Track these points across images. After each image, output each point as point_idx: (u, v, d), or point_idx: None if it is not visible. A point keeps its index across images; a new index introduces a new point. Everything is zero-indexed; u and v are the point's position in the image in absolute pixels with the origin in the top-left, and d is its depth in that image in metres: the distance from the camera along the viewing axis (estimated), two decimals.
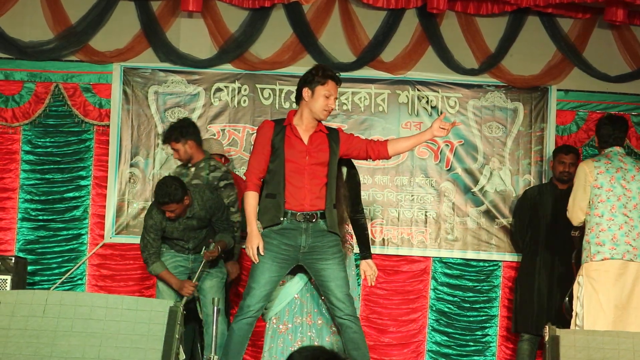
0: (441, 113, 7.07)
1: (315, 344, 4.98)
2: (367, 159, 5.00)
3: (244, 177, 5.41)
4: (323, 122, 4.86)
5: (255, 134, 4.93)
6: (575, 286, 5.58)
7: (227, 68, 7.04)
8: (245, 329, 4.79)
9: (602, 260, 5.45)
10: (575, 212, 5.62)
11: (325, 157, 4.80)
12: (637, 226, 5.51)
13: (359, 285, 5.93)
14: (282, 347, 5.02)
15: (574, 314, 5.59)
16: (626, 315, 5.47)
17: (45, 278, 6.93)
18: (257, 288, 4.74)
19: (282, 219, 4.72)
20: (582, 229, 5.72)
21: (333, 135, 4.87)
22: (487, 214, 7.10)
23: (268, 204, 4.78)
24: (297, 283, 5.02)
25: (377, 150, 4.91)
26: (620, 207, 5.50)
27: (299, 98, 4.85)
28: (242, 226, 6.65)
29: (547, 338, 4.17)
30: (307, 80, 4.80)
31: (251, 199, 4.77)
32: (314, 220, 4.75)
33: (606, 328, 5.32)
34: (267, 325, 5.11)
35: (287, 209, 4.73)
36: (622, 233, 5.46)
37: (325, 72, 4.81)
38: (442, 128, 4.80)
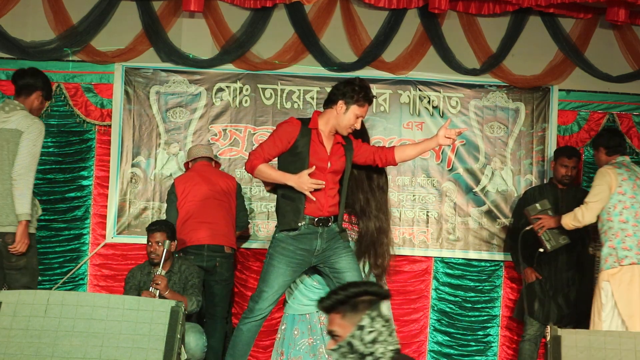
0: (443, 114, 7.08)
1: None
2: (374, 166, 5.02)
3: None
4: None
5: (276, 128, 4.90)
6: (600, 294, 5.64)
7: (229, 68, 7.04)
8: (254, 330, 4.84)
9: (631, 264, 5.59)
10: (593, 214, 5.72)
11: (342, 167, 4.85)
12: None
13: None
14: None
15: (596, 319, 5.64)
16: None
17: (47, 278, 6.92)
18: (270, 292, 4.76)
19: (300, 224, 4.73)
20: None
21: (349, 146, 4.90)
22: (489, 214, 7.10)
23: (286, 206, 4.78)
24: None
25: (385, 158, 4.94)
26: None
27: (329, 104, 4.83)
28: (245, 224, 6.69)
29: (548, 338, 4.17)
30: (347, 95, 4.77)
31: (268, 167, 4.75)
32: (329, 224, 4.79)
33: None
34: (315, 319, 5.12)
35: (306, 214, 4.74)
36: None
37: (368, 95, 4.80)
38: (447, 137, 4.81)
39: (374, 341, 2.88)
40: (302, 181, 4.66)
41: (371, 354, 2.87)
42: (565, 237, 6.17)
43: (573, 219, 5.80)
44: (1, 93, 6.96)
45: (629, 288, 5.54)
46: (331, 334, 2.94)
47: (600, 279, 5.66)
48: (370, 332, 2.88)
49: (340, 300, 2.91)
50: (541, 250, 6.28)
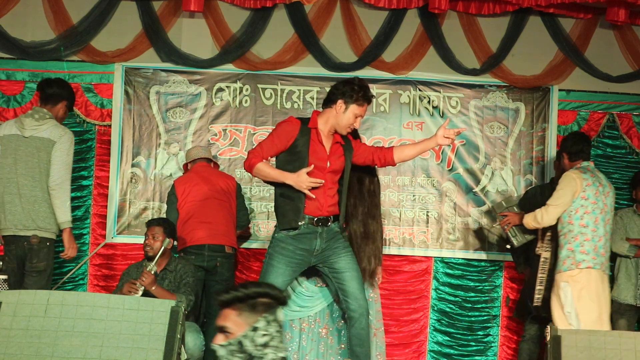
0: (443, 114, 7.08)
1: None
2: (372, 166, 5.02)
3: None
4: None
5: (275, 127, 4.90)
6: (559, 293, 5.68)
7: (229, 68, 7.05)
8: None
9: (587, 268, 5.67)
10: (552, 217, 5.80)
11: (342, 166, 4.86)
12: (608, 240, 5.81)
13: None
14: (324, 351, 5.04)
15: (555, 316, 5.71)
16: None
17: None
18: None
19: (300, 223, 4.73)
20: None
21: (348, 146, 4.91)
22: (489, 214, 7.10)
23: (285, 205, 4.78)
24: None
25: (384, 158, 4.94)
26: (601, 220, 5.75)
27: (328, 103, 4.84)
28: (246, 223, 6.69)
29: (548, 338, 4.17)
30: (346, 94, 4.78)
31: (267, 165, 4.75)
32: (329, 224, 4.79)
33: (607, 328, 5.59)
34: (298, 326, 5.10)
35: (306, 214, 4.74)
36: (600, 245, 5.72)
37: (367, 94, 4.81)
38: (446, 137, 4.82)
39: (265, 345, 2.83)
40: (301, 179, 4.66)
41: (260, 357, 2.82)
42: (531, 234, 6.24)
43: (533, 220, 5.89)
44: (1, 93, 6.96)
45: (587, 291, 5.63)
46: (222, 329, 2.86)
47: (558, 280, 5.73)
48: (264, 335, 2.83)
49: (240, 298, 2.85)
50: (508, 246, 6.37)
